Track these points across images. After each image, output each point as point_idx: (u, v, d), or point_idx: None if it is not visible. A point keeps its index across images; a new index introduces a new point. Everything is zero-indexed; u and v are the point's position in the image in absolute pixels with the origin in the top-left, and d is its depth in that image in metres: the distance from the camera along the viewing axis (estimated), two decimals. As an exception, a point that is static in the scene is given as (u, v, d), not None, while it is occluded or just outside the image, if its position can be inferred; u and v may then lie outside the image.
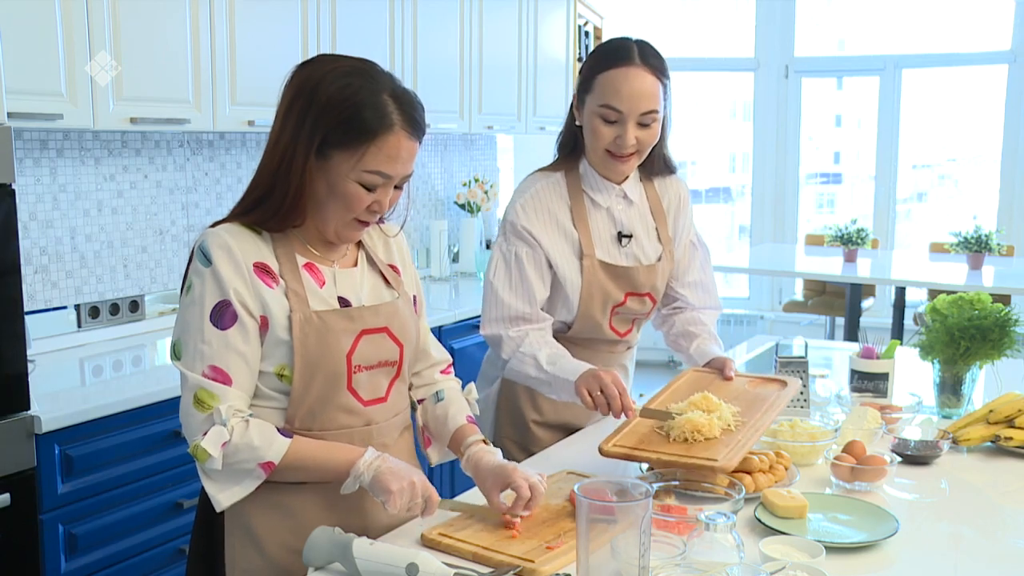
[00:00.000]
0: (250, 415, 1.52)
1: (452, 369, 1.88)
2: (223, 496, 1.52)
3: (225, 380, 1.50)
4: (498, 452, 1.71)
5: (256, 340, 1.53)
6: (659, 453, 1.76)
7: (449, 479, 3.72)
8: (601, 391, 1.90)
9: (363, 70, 1.52)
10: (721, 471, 1.68)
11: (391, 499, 1.51)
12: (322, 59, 1.56)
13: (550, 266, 2.10)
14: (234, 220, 1.56)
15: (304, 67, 1.54)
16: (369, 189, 1.51)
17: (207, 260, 1.51)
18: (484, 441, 1.73)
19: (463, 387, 1.87)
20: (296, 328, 1.52)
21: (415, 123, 1.52)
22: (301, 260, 1.58)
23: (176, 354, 1.54)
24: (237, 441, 1.49)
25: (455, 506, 1.66)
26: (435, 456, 1.82)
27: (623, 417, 1.90)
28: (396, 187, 1.55)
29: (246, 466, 1.50)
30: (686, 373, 2.15)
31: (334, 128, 1.48)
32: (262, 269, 1.53)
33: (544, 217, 2.11)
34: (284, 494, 1.58)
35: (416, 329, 1.71)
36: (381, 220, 1.70)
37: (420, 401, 1.81)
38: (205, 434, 1.48)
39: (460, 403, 1.81)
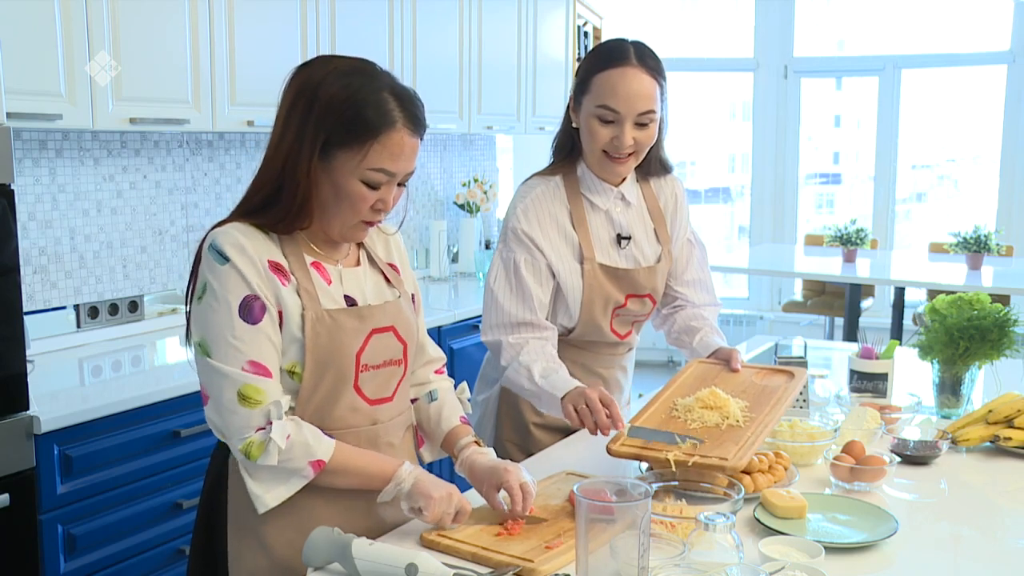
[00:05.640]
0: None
1: (445, 369, 1.89)
2: (270, 496, 1.50)
3: (266, 373, 1.50)
4: (491, 452, 1.72)
5: (279, 334, 1.53)
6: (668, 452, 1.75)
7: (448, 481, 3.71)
8: (586, 405, 1.88)
9: (363, 69, 1.53)
10: (732, 471, 1.68)
11: (431, 504, 1.54)
12: (321, 60, 1.57)
13: (551, 272, 2.10)
14: (241, 220, 1.56)
15: (303, 69, 1.55)
16: (373, 187, 1.52)
17: (223, 258, 1.50)
18: (477, 442, 1.74)
19: (455, 386, 1.88)
20: (308, 326, 1.53)
21: (417, 120, 1.54)
22: (308, 259, 1.58)
23: (206, 353, 1.51)
24: (294, 437, 1.49)
25: None
26: (427, 455, 1.84)
27: (612, 432, 1.86)
28: (399, 184, 1.57)
29: (297, 464, 1.50)
30: (691, 365, 2.13)
31: (337, 128, 1.49)
32: (275, 267, 1.53)
33: (545, 222, 2.10)
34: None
35: (416, 327, 1.72)
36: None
37: (413, 400, 1.82)
38: (259, 429, 1.48)
39: (453, 403, 1.82)
